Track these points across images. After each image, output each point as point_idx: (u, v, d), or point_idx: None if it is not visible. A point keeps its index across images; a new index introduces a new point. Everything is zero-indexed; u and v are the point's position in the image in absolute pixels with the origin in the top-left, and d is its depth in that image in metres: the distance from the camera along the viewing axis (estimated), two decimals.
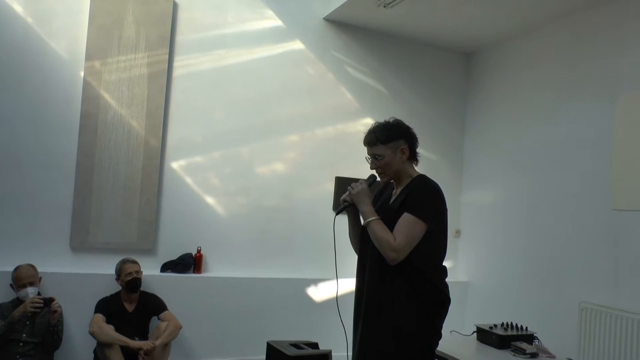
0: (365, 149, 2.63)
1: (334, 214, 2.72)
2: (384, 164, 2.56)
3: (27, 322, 3.90)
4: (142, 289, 4.35)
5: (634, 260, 4.09)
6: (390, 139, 2.54)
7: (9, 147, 4.38)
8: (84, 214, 4.55)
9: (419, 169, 2.66)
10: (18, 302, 3.93)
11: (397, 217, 2.45)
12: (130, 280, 4.22)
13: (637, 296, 4.04)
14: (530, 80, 5.25)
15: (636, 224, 4.10)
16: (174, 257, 4.83)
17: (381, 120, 2.66)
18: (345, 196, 2.60)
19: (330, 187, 5.41)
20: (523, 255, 5.11)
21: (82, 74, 4.58)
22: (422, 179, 2.57)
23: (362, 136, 2.66)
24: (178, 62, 4.94)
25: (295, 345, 3.56)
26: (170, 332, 4.14)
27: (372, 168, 2.63)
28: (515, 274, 5.17)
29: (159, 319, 4.31)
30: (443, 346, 2.81)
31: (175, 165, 4.91)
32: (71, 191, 4.53)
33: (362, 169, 5.07)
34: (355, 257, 2.73)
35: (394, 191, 2.65)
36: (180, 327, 4.25)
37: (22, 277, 3.97)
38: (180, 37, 4.94)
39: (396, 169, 2.57)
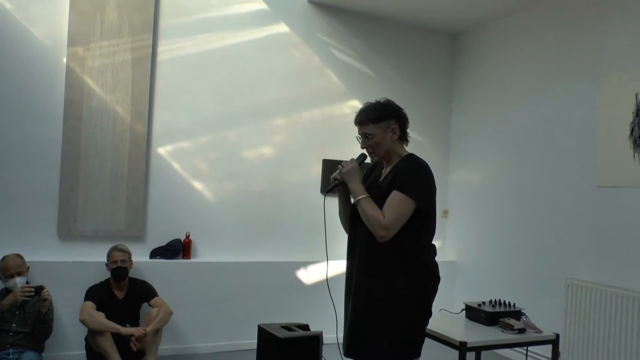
0: (354, 130, 2.63)
1: (323, 195, 2.72)
2: (374, 144, 2.56)
3: (17, 312, 3.88)
4: (131, 275, 4.35)
5: (619, 237, 4.16)
6: (380, 119, 2.55)
7: None
8: (70, 202, 4.52)
9: (407, 149, 2.67)
10: (6, 292, 3.91)
11: (386, 195, 2.46)
12: (114, 269, 4.21)
13: (622, 272, 4.11)
14: (515, 60, 5.27)
15: (621, 201, 4.16)
16: (163, 243, 4.83)
17: (366, 102, 2.66)
18: (336, 174, 2.60)
19: (318, 169, 5.41)
20: (510, 233, 5.16)
21: (64, 60, 4.53)
22: (411, 157, 2.58)
23: (349, 118, 2.66)
24: (162, 47, 4.90)
25: (287, 327, 3.59)
26: (161, 318, 4.15)
27: (362, 147, 2.63)
28: (503, 252, 5.23)
29: (149, 305, 4.31)
30: (432, 324, 2.84)
31: (162, 151, 4.88)
32: (57, 179, 4.50)
33: (349, 151, 5.08)
34: (345, 239, 2.74)
35: (383, 170, 2.66)
36: (171, 313, 4.25)
37: (10, 267, 3.94)
38: (163, 22, 4.89)
39: (386, 148, 2.57)
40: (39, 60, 4.47)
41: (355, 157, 2.66)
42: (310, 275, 5.20)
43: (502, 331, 3.12)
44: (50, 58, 4.51)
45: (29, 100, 4.43)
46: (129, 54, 4.73)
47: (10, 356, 3.80)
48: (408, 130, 2.63)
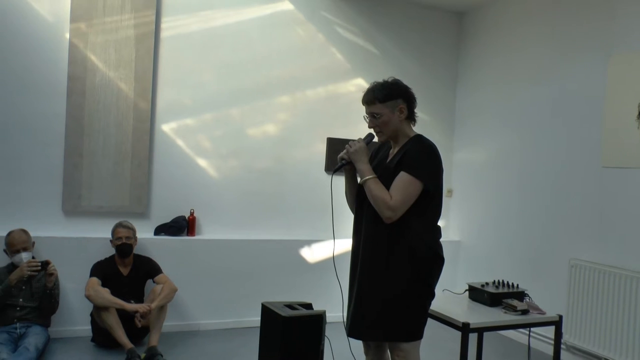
0: (359, 108, 2.63)
1: (327, 174, 2.75)
2: (381, 123, 2.55)
3: (24, 287, 3.92)
4: (136, 252, 4.37)
5: (623, 217, 4.15)
6: (388, 98, 2.53)
7: None
8: (75, 178, 4.52)
9: (413, 129, 2.66)
10: (13, 267, 3.95)
11: (393, 176, 2.46)
12: (119, 245, 4.23)
13: (625, 252, 4.11)
14: (522, 39, 5.21)
15: (625, 181, 4.15)
16: (167, 220, 4.84)
17: (371, 80, 2.64)
18: (343, 154, 2.60)
19: (322, 148, 5.39)
20: (514, 213, 5.16)
21: (67, 36, 4.49)
22: (420, 138, 2.57)
23: (354, 97, 2.67)
24: (165, 23, 4.85)
25: (290, 306, 3.59)
26: (165, 295, 4.17)
27: (370, 127, 2.62)
28: (507, 232, 5.23)
29: (154, 281, 4.34)
30: (435, 305, 2.84)
31: (166, 127, 4.86)
32: (62, 155, 4.50)
33: (353, 129, 5.10)
34: (349, 218, 2.75)
35: (391, 150, 2.65)
36: (176, 290, 4.28)
37: (16, 243, 3.96)
38: None
39: (394, 128, 2.56)
40: (42, 36, 4.44)
41: (363, 136, 2.65)
42: (313, 253, 5.22)
43: (505, 312, 3.13)
44: (53, 34, 4.48)
45: (32, 76, 4.41)
46: (132, 30, 4.69)
47: (18, 330, 3.85)
48: (416, 110, 2.62)
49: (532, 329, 3.41)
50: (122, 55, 4.66)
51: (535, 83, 5.02)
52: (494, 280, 3.51)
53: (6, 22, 4.33)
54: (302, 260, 5.20)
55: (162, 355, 3.92)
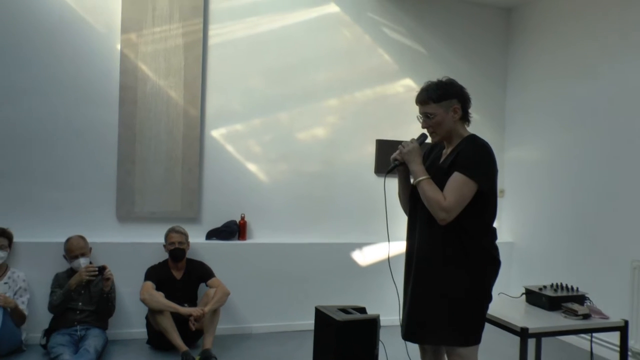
0: (408, 109, 2.60)
1: (377, 176, 2.70)
2: (435, 123, 2.50)
3: (83, 291, 4.05)
4: (188, 256, 4.43)
5: None
6: (442, 98, 2.48)
7: (52, 122, 4.48)
8: (128, 185, 4.62)
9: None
10: (72, 272, 4.08)
11: (447, 176, 2.41)
12: (172, 250, 4.31)
13: None
14: (575, 34, 5.04)
15: None
16: (218, 224, 4.89)
17: (420, 81, 2.60)
18: (396, 155, 2.56)
19: (372, 150, 5.34)
20: (570, 213, 4.98)
21: (118, 46, 4.61)
22: (473, 138, 2.51)
23: (402, 98, 2.64)
24: (213, 30, 4.92)
25: (344, 310, 3.57)
26: (219, 299, 4.21)
27: (423, 127, 2.57)
28: (563, 233, 5.06)
29: (206, 285, 4.39)
30: (492, 309, 2.75)
31: (216, 133, 4.92)
32: (115, 162, 4.61)
33: (403, 130, 5.05)
34: (402, 220, 2.70)
35: (444, 151, 2.60)
36: (229, 294, 4.31)
37: (74, 249, 4.10)
38: (213, 6, 4.90)
39: (447, 128, 2.51)
40: (95, 47, 4.58)
41: (415, 137, 2.61)
42: (365, 256, 5.18)
43: (565, 317, 3.03)
44: (105, 45, 4.60)
45: (85, 86, 4.55)
46: (181, 39, 4.77)
47: (78, 332, 3.99)
48: (470, 111, 2.56)
49: (593, 334, 3.28)
50: (172, 64, 4.74)
51: (588, 79, 4.84)
52: (552, 283, 3.40)
53: (61, 35, 4.47)
54: (354, 263, 5.16)
55: (216, 358, 3.96)
